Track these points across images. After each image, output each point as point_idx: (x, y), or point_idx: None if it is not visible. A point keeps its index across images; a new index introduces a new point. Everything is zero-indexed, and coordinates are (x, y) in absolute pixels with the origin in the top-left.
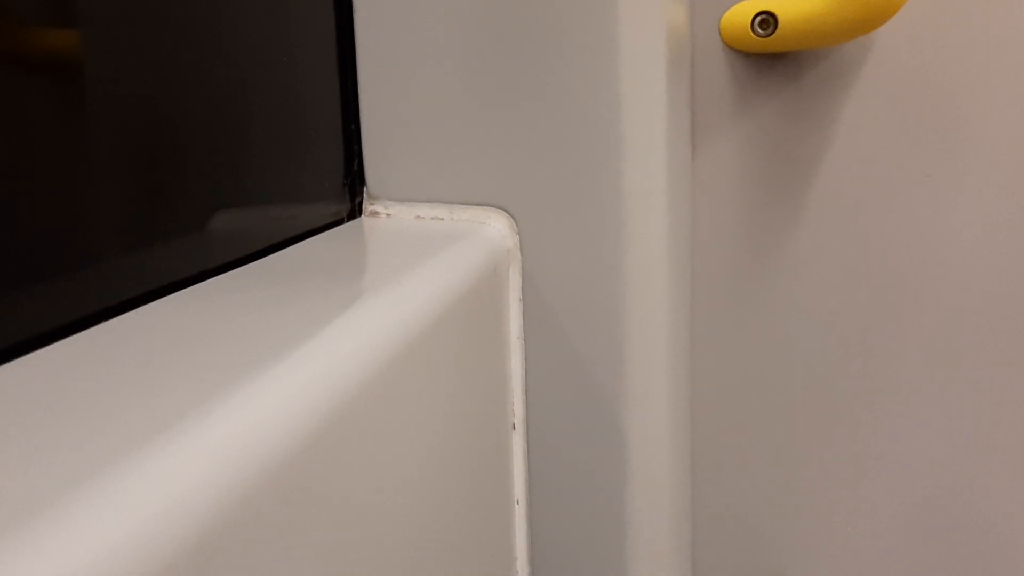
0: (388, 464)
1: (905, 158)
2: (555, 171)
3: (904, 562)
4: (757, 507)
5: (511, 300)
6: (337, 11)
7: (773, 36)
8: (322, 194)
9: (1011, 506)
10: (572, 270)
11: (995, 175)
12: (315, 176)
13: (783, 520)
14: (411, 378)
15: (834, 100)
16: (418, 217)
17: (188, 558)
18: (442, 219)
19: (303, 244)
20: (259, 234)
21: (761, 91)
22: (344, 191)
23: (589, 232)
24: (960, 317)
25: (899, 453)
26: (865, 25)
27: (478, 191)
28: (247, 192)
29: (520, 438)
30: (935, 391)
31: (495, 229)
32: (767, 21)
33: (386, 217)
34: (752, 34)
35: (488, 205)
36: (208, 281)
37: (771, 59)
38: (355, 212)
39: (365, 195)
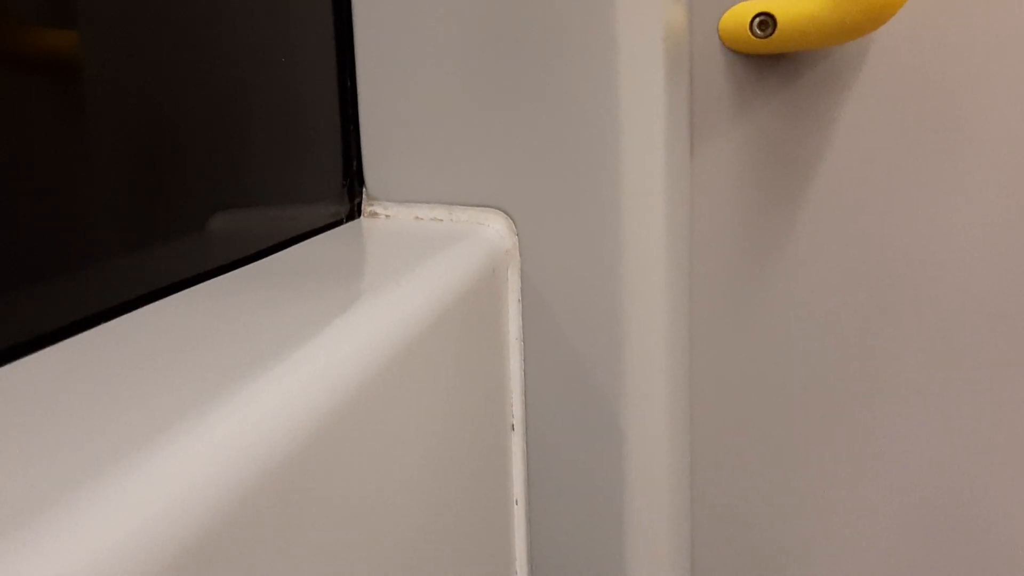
0: (387, 465)
1: (904, 158)
2: (554, 172)
3: (904, 562)
4: (756, 507)
5: (510, 301)
6: (336, 12)
7: (772, 37)
8: (321, 195)
9: (1011, 506)
10: (571, 271)
11: (994, 175)
12: (314, 177)
13: (782, 520)
14: (410, 379)
15: (833, 101)
16: (417, 218)
17: (188, 558)
18: (441, 220)
19: (302, 245)
20: (258, 235)
21: (760, 92)
22: (343, 192)
23: (588, 233)
24: (960, 317)
25: (898, 453)
26: (864, 26)
27: (477, 192)
28: (246, 193)
29: (519, 438)
30: (934, 391)
31: (494, 230)
32: (766, 22)
33: (385, 218)
34: (751, 35)
35: (487, 206)
36: (207, 282)
37: (770, 60)
38: (354, 213)
39: (364, 196)
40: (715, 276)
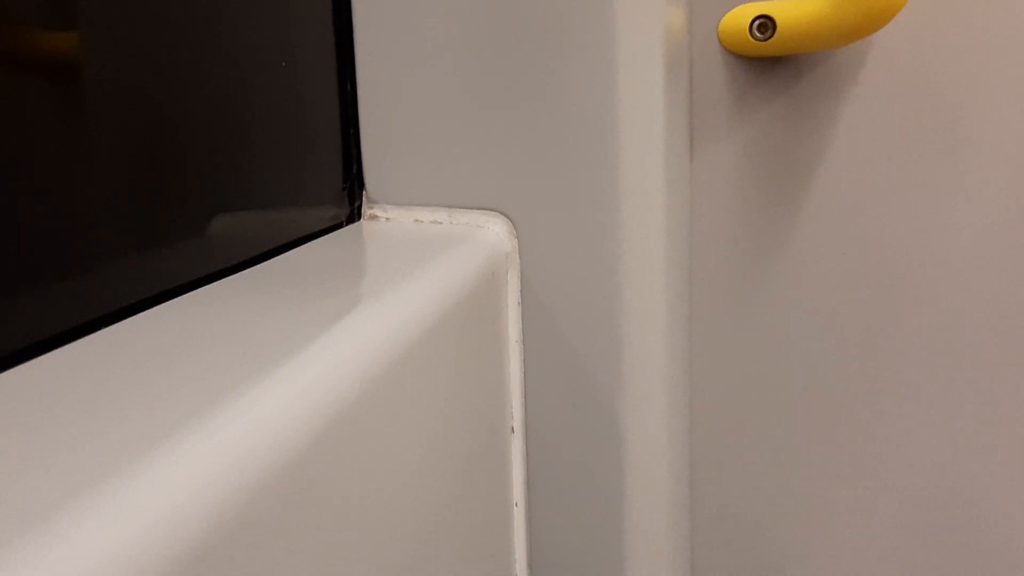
0: (388, 467)
1: (903, 160)
2: (553, 175)
3: (904, 562)
4: (756, 508)
5: (510, 303)
6: (336, 15)
7: (771, 40)
8: (321, 198)
9: (1011, 506)
10: (570, 273)
11: (994, 175)
12: (314, 180)
13: (782, 520)
14: (410, 382)
15: (832, 103)
16: (417, 221)
17: (191, 563)
18: (441, 223)
19: (302, 248)
20: (259, 238)
21: (759, 94)
22: (343, 195)
23: (587, 235)
24: (960, 317)
25: (898, 453)
26: (863, 29)
27: (477, 195)
28: (247, 196)
29: (519, 441)
30: (934, 391)
31: (494, 233)
32: (765, 25)
33: (385, 221)
34: (750, 38)
35: (487, 209)
36: (208, 286)
37: (769, 63)
38: (354, 216)
39: (364, 199)
40: (715, 276)
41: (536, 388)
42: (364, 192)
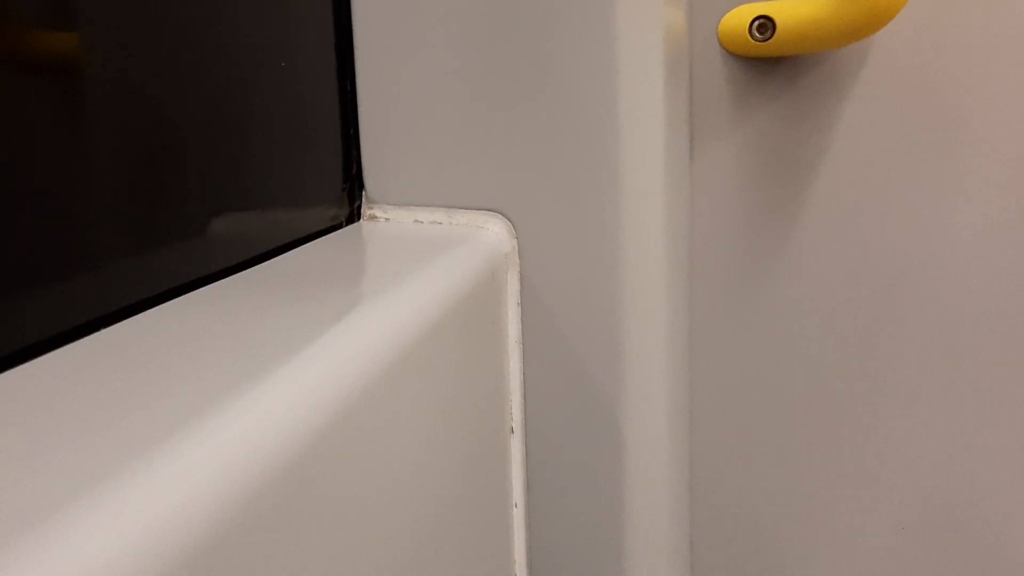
0: (387, 468)
1: (903, 160)
2: (553, 175)
3: (904, 562)
4: (756, 508)
5: (509, 304)
6: (336, 16)
7: (771, 40)
8: (321, 198)
9: (1011, 506)
10: (570, 274)
11: (994, 175)
12: (314, 180)
13: (782, 520)
14: (410, 382)
15: (832, 103)
16: (417, 221)
17: (192, 564)
18: (441, 223)
19: (302, 249)
20: (258, 238)
21: (759, 95)
22: (343, 195)
23: (587, 236)
24: (960, 317)
25: (898, 453)
26: (863, 29)
27: (477, 195)
28: (246, 196)
29: (519, 441)
30: (934, 391)
31: (493, 233)
32: (765, 25)
33: (385, 221)
34: (750, 38)
35: (487, 209)
36: (208, 287)
37: (769, 63)
38: (354, 216)
39: (364, 199)
40: (715, 276)
41: (536, 388)
42: (364, 192)
